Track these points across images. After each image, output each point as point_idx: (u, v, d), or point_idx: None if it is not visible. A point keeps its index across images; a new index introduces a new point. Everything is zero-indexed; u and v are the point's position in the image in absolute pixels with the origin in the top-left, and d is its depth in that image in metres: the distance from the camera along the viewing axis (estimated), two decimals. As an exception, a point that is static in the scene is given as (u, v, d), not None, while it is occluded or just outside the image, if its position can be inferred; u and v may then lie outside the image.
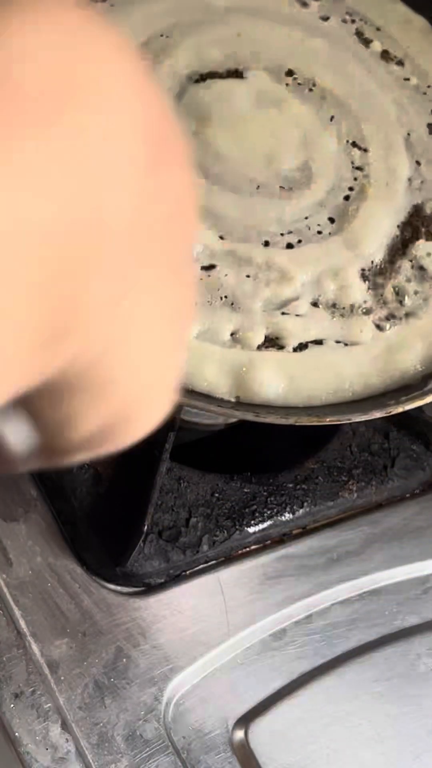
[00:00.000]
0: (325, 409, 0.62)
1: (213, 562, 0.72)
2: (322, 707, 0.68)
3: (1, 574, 0.67)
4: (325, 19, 0.81)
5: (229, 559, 0.72)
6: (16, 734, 0.61)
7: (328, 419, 0.60)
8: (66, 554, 0.68)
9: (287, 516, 0.74)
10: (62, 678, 0.64)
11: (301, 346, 0.64)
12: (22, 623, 0.65)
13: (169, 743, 0.64)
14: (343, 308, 0.66)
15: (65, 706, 0.63)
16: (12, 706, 0.62)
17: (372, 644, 0.72)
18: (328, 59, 0.78)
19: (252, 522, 0.73)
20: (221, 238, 0.66)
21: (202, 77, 0.74)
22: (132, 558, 0.68)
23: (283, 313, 0.65)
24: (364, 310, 0.66)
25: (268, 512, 0.73)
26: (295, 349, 0.64)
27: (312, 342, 0.64)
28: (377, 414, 0.60)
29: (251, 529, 0.72)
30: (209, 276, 0.65)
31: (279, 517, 0.74)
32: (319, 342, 0.64)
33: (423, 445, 0.80)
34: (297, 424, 0.61)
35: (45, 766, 0.61)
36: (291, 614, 0.71)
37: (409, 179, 0.73)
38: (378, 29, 0.82)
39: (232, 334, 0.63)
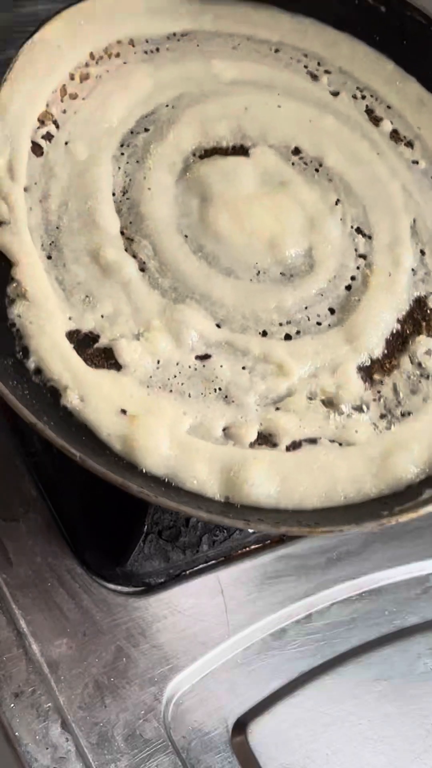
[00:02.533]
0: (317, 516, 0.59)
1: (213, 561, 0.72)
2: (322, 707, 0.68)
3: (1, 574, 0.67)
4: (335, 94, 0.79)
5: (229, 558, 0.72)
6: (16, 734, 0.61)
7: (320, 530, 0.58)
8: (66, 554, 0.68)
9: (287, 516, 0.74)
10: (62, 678, 0.64)
11: (295, 445, 0.62)
12: (22, 623, 0.65)
13: (169, 743, 0.64)
14: (340, 406, 0.64)
15: (65, 706, 0.63)
16: (12, 705, 0.62)
17: (372, 644, 0.72)
18: (337, 138, 0.75)
19: (252, 522, 0.73)
20: (218, 326, 0.65)
21: (206, 153, 0.72)
22: (132, 558, 0.68)
23: (277, 409, 0.63)
24: (361, 409, 0.64)
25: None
26: (288, 448, 0.61)
27: (306, 440, 0.62)
28: (370, 526, 0.58)
29: (251, 529, 0.72)
30: (204, 366, 0.63)
31: (279, 517, 0.74)
32: (313, 441, 0.62)
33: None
34: (288, 534, 0.60)
35: (45, 765, 0.61)
36: (291, 614, 0.71)
37: (413, 270, 0.71)
38: (389, 107, 0.79)
39: (224, 430, 0.61)
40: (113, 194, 0.69)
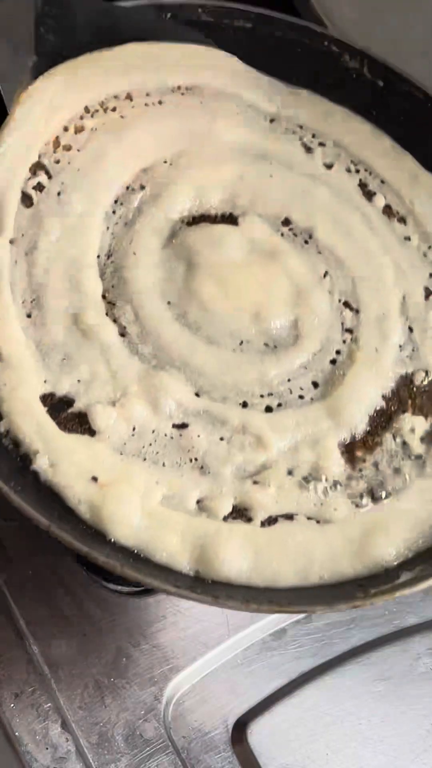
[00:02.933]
0: (289, 595, 0.58)
1: (213, 562, 0.72)
2: (322, 707, 0.68)
3: (1, 574, 0.67)
4: (329, 166, 0.77)
5: (229, 559, 0.72)
6: (16, 734, 0.61)
7: (290, 608, 0.56)
8: (66, 554, 0.68)
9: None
10: (62, 678, 0.64)
11: (270, 520, 0.60)
12: (22, 623, 0.65)
13: (169, 743, 0.64)
14: (319, 482, 0.62)
15: (65, 706, 0.63)
16: (12, 705, 0.62)
17: (372, 644, 0.72)
18: (329, 211, 0.74)
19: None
20: (197, 394, 0.63)
21: (194, 219, 0.70)
22: (132, 558, 0.68)
23: (254, 483, 0.61)
24: (341, 486, 0.62)
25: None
26: (263, 523, 0.59)
27: (282, 516, 0.60)
28: (343, 607, 0.56)
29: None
30: (180, 435, 0.61)
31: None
32: (290, 517, 0.60)
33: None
34: (258, 612, 0.57)
35: (45, 765, 0.61)
36: (291, 614, 0.71)
37: (401, 346, 0.69)
38: (383, 182, 0.78)
39: (198, 501, 0.60)
40: (98, 256, 0.67)
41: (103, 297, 0.65)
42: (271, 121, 0.79)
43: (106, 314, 0.64)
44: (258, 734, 0.66)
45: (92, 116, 0.72)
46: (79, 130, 0.71)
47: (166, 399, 0.62)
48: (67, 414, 0.61)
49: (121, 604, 0.68)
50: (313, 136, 0.79)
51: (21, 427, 0.59)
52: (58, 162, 0.69)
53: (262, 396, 0.64)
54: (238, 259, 0.69)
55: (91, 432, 0.60)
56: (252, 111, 0.78)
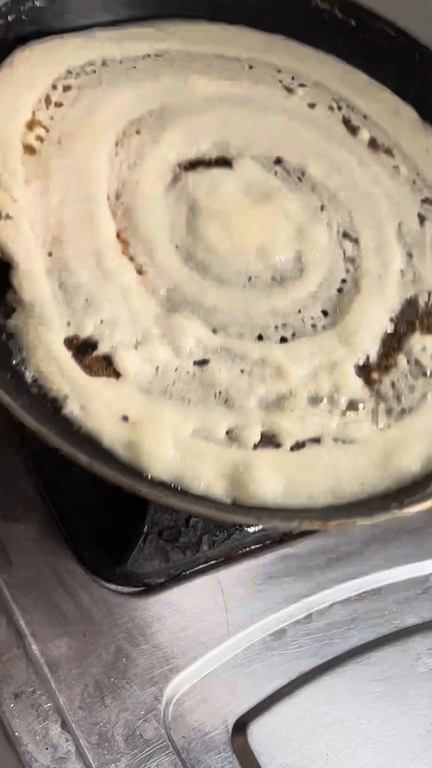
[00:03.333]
0: (325, 513, 0.60)
1: (213, 562, 0.72)
2: (322, 707, 0.68)
3: (1, 574, 0.67)
4: (312, 106, 0.79)
5: (229, 559, 0.72)
6: (16, 734, 0.61)
7: (332, 523, 0.58)
8: (66, 554, 0.68)
9: (287, 516, 0.74)
10: (62, 678, 0.64)
11: (298, 445, 0.62)
12: (22, 623, 0.65)
13: (169, 743, 0.64)
14: (340, 405, 0.64)
15: (65, 706, 0.63)
16: (12, 705, 0.62)
17: (372, 644, 0.72)
18: (317, 148, 0.76)
19: (252, 522, 0.73)
20: (214, 331, 0.65)
21: (191, 164, 0.72)
22: (132, 558, 0.68)
23: (279, 410, 0.63)
24: (362, 407, 0.65)
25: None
26: (292, 448, 0.62)
27: (309, 440, 0.62)
28: (382, 517, 0.58)
29: (251, 529, 0.72)
30: (202, 371, 0.63)
31: (279, 517, 0.74)
32: (316, 440, 0.62)
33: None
34: (300, 528, 0.62)
35: (45, 766, 0.61)
36: (291, 614, 0.71)
37: (402, 271, 0.71)
38: (365, 117, 0.80)
39: (227, 432, 0.61)
40: (108, 197, 0.69)
41: (118, 236, 0.67)
42: (250, 67, 0.81)
43: (123, 253, 0.66)
44: (258, 734, 0.66)
45: (75, 77, 0.74)
46: (66, 88, 0.73)
47: (185, 338, 0.64)
48: (91, 357, 0.62)
49: (121, 604, 0.68)
50: (292, 78, 0.81)
51: (48, 374, 0.60)
52: (52, 118, 0.71)
53: (276, 327, 0.66)
54: (237, 202, 0.71)
55: (117, 374, 0.62)
56: (227, 62, 0.80)
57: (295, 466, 0.61)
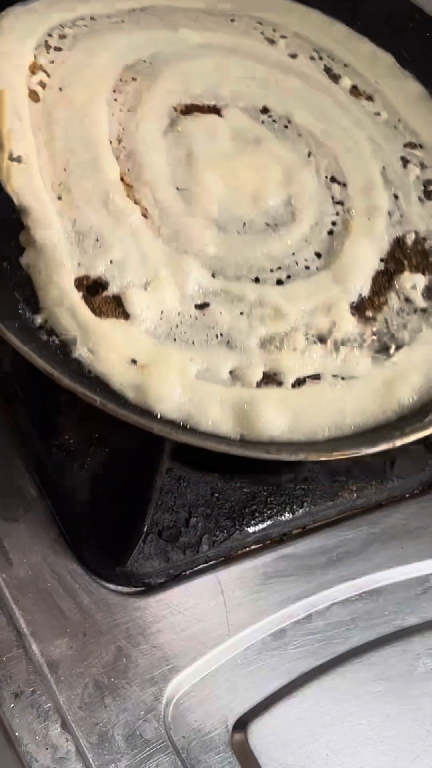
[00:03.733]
0: (330, 445, 0.63)
1: (213, 562, 0.72)
2: (322, 707, 0.68)
3: (1, 574, 0.67)
4: (294, 56, 0.83)
5: (229, 559, 0.72)
6: (16, 734, 0.61)
7: (336, 454, 0.61)
8: (66, 554, 0.68)
9: (287, 516, 0.74)
10: (62, 678, 0.64)
11: (299, 382, 0.65)
12: (22, 623, 0.65)
13: (169, 743, 0.64)
14: (337, 342, 0.67)
15: (65, 706, 0.63)
16: (12, 706, 0.62)
17: (372, 644, 0.72)
18: (301, 96, 0.79)
19: (252, 522, 0.73)
20: (213, 276, 0.68)
21: (187, 108, 0.75)
22: (132, 558, 0.68)
23: (279, 350, 0.66)
24: (358, 344, 0.67)
25: (268, 512, 0.73)
26: (293, 385, 0.64)
27: (310, 377, 0.65)
28: (384, 446, 0.61)
29: (251, 529, 0.72)
30: (204, 315, 0.66)
31: (279, 517, 0.74)
32: (316, 377, 0.65)
33: (422, 446, 0.80)
34: (308, 459, 0.63)
35: (45, 766, 0.61)
36: (291, 614, 0.71)
37: (389, 212, 0.74)
38: (346, 65, 0.84)
39: (230, 372, 0.64)
40: (110, 142, 0.71)
41: (122, 180, 0.69)
42: (232, 20, 0.84)
43: (127, 196, 0.69)
44: (258, 734, 0.66)
45: (70, 28, 0.77)
46: (62, 36, 0.76)
47: (189, 281, 0.66)
48: (102, 297, 0.64)
49: (121, 604, 0.68)
50: (274, 30, 0.85)
51: (59, 316, 0.62)
52: (52, 62, 0.74)
53: (271, 270, 0.69)
54: (229, 148, 0.74)
55: (126, 316, 0.64)
56: (210, 15, 0.83)
57: (298, 402, 0.64)
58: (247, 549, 0.73)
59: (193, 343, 0.65)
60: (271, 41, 0.83)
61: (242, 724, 0.66)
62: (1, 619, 0.65)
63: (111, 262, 0.65)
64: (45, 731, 0.62)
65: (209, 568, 0.71)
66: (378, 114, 0.81)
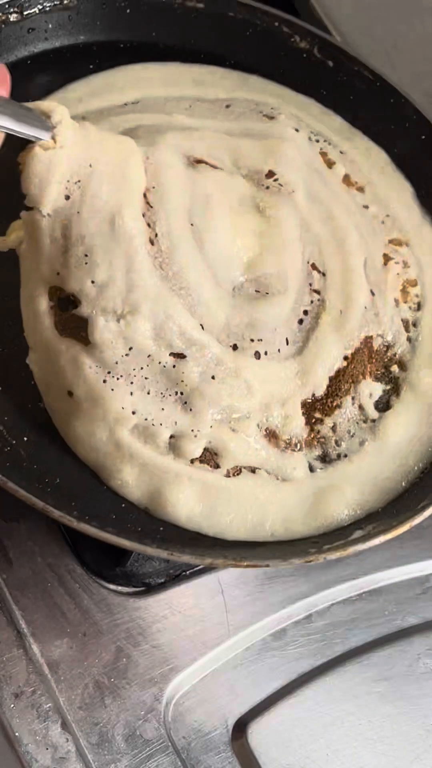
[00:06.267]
0: (240, 548, 0.59)
1: (213, 562, 0.72)
2: (322, 707, 0.68)
3: (1, 574, 0.67)
4: (297, 130, 0.78)
5: (229, 559, 0.72)
6: (16, 734, 0.61)
7: (245, 563, 0.57)
8: (66, 554, 0.68)
9: (287, 516, 0.74)
10: (62, 678, 0.64)
11: (236, 471, 0.61)
12: (22, 623, 0.65)
13: (169, 743, 0.64)
14: (282, 440, 0.63)
15: (65, 706, 0.63)
16: (12, 706, 0.62)
17: (372, 644, 0.72)
18: (301, 173, 0.74)
19: (252, 522, 0.73)
20: (202, 327, 0.62)
21: (197, 161, 0.69)
22: (132, 558, 0.68)
23: (231, 430, 0.62)
24: (300, 446, 0.64)
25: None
26: (228, 473, 0.61)
27: (247, 468, 0.62)
28: (296, 561, 0.57)
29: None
30: (174, 366, 0.60)
31: (279, 517, 0.74)
32: (253, 470, 0.62)
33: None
34: (211, 566, 0.61)
35: (45, 766, 0.61)
36: (291, 614, 0.71)
37: (365, 308, 0.69)
38: (341, 153, 0.80)
39: (171, 437, 0.60)
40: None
41: (144, 196, 0.63)
42: (227, 106, 0.80)
43: (143, 215, 0.62)
44: (258, 734, 0.66)
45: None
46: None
47: (172, 324, 0.61)
48: (69, 315, 0.60)
49: (121, 604, 0.68)
50: (272, 108, 0.80)
51: (25, 316, 0.60)
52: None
53: (252, 341, 0.64)
54: (237, 207, 0.69)
55: (86, 342, 0.60)
56: (204, 103, 0.79)
57: (223, 493, 0.60)
58: (247, 549, 0.73)
59: (149, 392, 0.60)
60: (271, 117, 0.78)
61: (242, 724, 0.66)
62: (1, 619, 0.65)
63: (93, 282, 0.59)
64: (45, 731, 0.62)
65: (209, 568, 0.71)
66: (367, 207, 0.77)
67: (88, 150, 0.61)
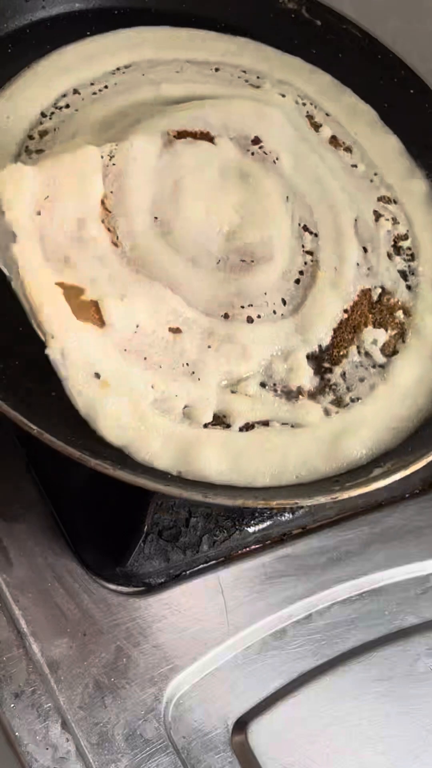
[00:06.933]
0: (269, 493, 0.61)
1: (213, 562, 0.72)
2: (322, 707, 0.68)
3: (1, 574, 0.67)
4: (282, 96, 0.81)
5: (229, 559, 0.72)
6: (16, 734, 0.61)
7: (274, 502, 0.60)
8: (66, 554, 0.68)
9: (287, 516, 0.74)
10: (62, 678, 0.64)
11: (248, 426, 0.64)
12: (22, 623, 0.65)
13: (169, 743, 0.64)
14: (291, 391, 0.66)
15: (65, 706, 0.63)
16: (12, 706, 0.62)
17: (372, 644, 0.72)
18: (286, 138, 0.77)
19: (252, 522, 0.73)
20: (188, 303, 0.66)
21: (179, 134, 0.73)
22: (132, 558, 0.68)
23: (233, 392, 0.64)
24: (312, 395, 0.66)
25: (268, 512, 0.73)
26: (241, 429, 0.63)
27: (258, 423, 0.64)
28: (322, 499, 0.60)
29: (251, 529, 0.73)
30: (174, 340, 0.65)
31: (279, 517, 0.74)
32: (265, 423, 0.64)
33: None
34: (244, 506, 0.63)
35: (45, 766, 0.61)
36: (291, 614, 0.71)
37: (357, 264, 0.73)
38: (327, 114, 0.82)
39: (184, 407, 0.63)
40: (102, 157, 0.69)
41: (102, 203, 0.68)
42: (216, 70, 0.82)
43: (102, 221, 0.67)
44: (258, 734, 0.66)
45: (50, 118, 0.75)
46: (42, 134, 0.74)
47: (162, 303, 0.65)
48: (80, 301, 0.63)
49: (121, 604, 0.68)
50: (258, 77, 0.83)
51: (42, 308, 0.61)
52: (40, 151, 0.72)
53: (242, 307, 0.68)
54: (216, 181, 0.72)
55: (101, 323, 0.63)
56: (193, 66, 0.82)
57: (242, 446, 0.62)
58: (247, 549, 0.73)
59: (160, 366, 0.63)
60: (257, 86, 0.82)
61: (242, 724, 0.66)
62: (1, 619, 0.65)
63: (82, 276, 0.64)
64: (45, 731, 0.62)
65: (209, 568, 0.71)
66: (355, 166, 0.80)
67: (47, 173, 0.66)
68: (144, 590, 0.69)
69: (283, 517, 0.74)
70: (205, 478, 0.61)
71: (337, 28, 0.84)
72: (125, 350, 0.63)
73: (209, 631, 0.68)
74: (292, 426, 0.65)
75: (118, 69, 0.80)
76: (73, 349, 0.61)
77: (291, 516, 0.74)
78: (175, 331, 0.65)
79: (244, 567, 0.72)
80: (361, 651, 0.71)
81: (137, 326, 0.64)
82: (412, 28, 0.91)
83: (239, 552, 0.73)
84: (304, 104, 0.82)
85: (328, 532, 0.75)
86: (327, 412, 0.66)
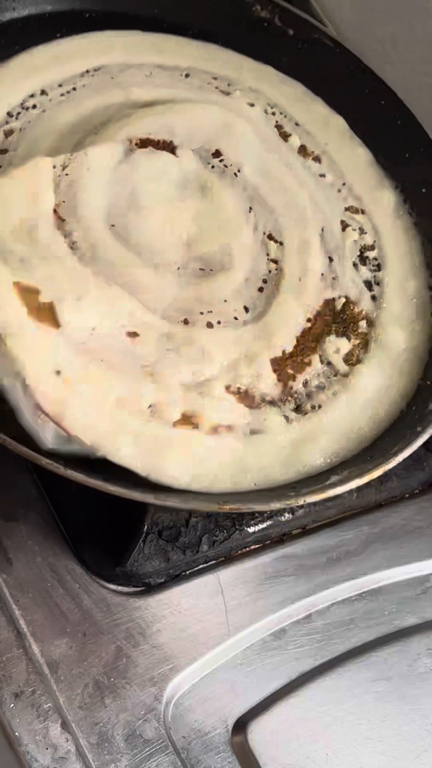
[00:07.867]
0: (225, 497, 0.62)
1: (213, 562, 0.72)
2: (322, 707, 0.68)
3: (1, 574, 0.67)
4: (251, 105, 0.81)
5: (229, 559, 0.72)
6: (16, 734, 0.61)
7: (227, 507, 0.60)
8: (66, 554, 0.68)
9: (287, 516, 0.74)
10: (62, 678, 0.64)
11: (214, 429, 0.64)
12: (22, 623, 0.65)
13: (169, 743, 0.64)
14: (254, 397, 0.67)
15: (65, 706, 0.63)
16: (12, 706, 0.62)
17: (372, 644, 0.72)
18: (252, 148, 0.77)
19: (252, 522, 0.73)
20: (147, 309, 0.66)
21: (141, 142, 0.73)
22: (132, 558, 0.68)
23: (199, 394, 0.65)
24: (273, 401, 0.67)
25: (268, 512, 0.73)
26: (207, 433, 0.64)
27: (223, 427, 0.65)
28: (277, 505, 0.61)
29: (251, 529, 0.72)
30: (133, 343, 0.64)
31: (279, 517, 0.74)
32: (229, 427, 0.65)
33: (422, 446, 0.80)
34: (196, 510, 0.64)
35: (45, 766, 0.61)
36: (291, 614, 0.71)
37: (322, 274, 0.74)
38: (297, 124, 0.82)
39: (149, 406, 0.63)
40: (54, 167, 0.69)
41: (54, 211, 0.68)
42: (186, 75, 0.82)
43: (57, 228, 0.67)
44: (258, 734, 0.66)
45: (17, 118, 0.75)
46: (8, 133, 0.74)
47: (119, 307, 0.65)
48: (36, 302, 0.62)
49: (121, 604, 0.68)
50: (229, 84, 0.83)
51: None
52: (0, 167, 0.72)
53: (201, 313, 0.68)
54: (174, 194, 0.73)
55: (57, 324, 0.62)
56: (164, 71, 0.82)
57: (206, 451, 0.63)
58: (247, 549, 0.73)
59: (120, 367, 0.63)
60: (227, 93, 0.82)
61: (242, 724, 0.66)
62: (1, 619, 0.65)
63: (39, 276, 0.64)
64: (45, 731, 0.62)
65: (209, 568, 0.71)
66: (323, 176, 0.80)
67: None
68: (144, 590, 0.69)
69: (282, 518, 0.74)
70: (168, 483, 0.61)
71: (309, 37, 0.84)
72: (82, 351, 0.62)
73: (209, 631, 0.68)
74: (253, 432, 0.65)
75: (87, 71, 0.80)
76: (29, 349, 0.60)
77: (291, 516, 0.74)
78: (133, 335, 0.65)
79: (243, 567, 0.72)
80: (360, 651, 0.71)
81: (93, 329, 0.64)
82: (413, 30, 0.92)
83: (239, 552, 0.73)
84: (273, 113, 0.82)
85: (328, 532, 0.75)
86: (288, 419, 0.67)
